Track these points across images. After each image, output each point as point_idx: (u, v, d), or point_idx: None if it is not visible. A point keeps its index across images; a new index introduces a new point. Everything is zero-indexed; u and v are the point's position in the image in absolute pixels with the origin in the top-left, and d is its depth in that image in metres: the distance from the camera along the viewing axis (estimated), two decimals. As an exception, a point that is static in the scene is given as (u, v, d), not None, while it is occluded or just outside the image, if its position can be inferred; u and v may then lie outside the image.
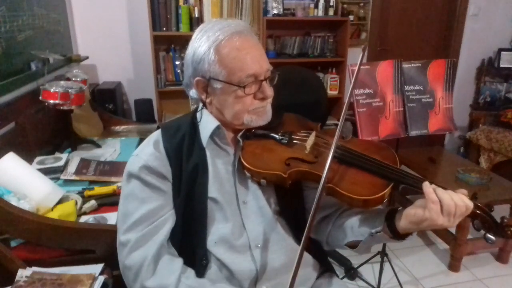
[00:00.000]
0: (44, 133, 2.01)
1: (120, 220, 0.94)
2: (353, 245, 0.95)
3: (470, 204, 0.78)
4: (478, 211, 0.80)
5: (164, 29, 2.94)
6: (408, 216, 0.81)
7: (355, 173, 0.88)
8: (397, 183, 0.84)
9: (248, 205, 0.97)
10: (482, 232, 0.81)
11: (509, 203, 2.29)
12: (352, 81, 0.96)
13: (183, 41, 2.98)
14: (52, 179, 1.53)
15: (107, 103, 2.79)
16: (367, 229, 0.90)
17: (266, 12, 3.15)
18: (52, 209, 1.36)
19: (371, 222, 0.90)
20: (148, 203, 0.92)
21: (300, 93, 1.77)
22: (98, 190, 1.53)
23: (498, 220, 0.80)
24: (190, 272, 0.92)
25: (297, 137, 1.00)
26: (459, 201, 0.76)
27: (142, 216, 0.91)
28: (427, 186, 0.79)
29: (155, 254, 0.89)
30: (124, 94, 3.28)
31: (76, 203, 1.41)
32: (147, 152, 0.94)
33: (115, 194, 1.50)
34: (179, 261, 0.92)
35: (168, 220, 0.93)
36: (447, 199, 0.76)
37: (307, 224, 0.77)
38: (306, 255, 1.03)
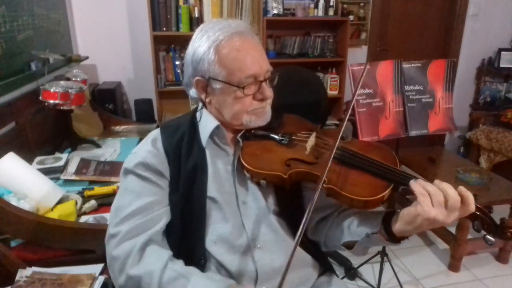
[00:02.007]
0: (44, 133, 2.02)
1: (113, 214, 0.92)
2: (350, 246, 0.95)
3: (467, 193, 0.75)
4: (477, 213, 0.79)
5: (164, 29, 2.95)
6: (402, 217, 0.80)
7: (355, 174, 0.88)
8: (397, 184, 0.84)
9: (247, 205, 0.97)
10: (482, 233, 0.81)
11: (509, 203, 2.29)
12: (356, 92, 0.96)
13: (183, 41, 2.97)
14: (52, 179, 1.53)
15: (107, 103, 2.79)
16: (364, 229, 0.90)
17: (266, 12, 3.15)
18: (52, 209, 1.36)
19: (369, 223, 0.90)
20: (144, 197, 0.91)
21: (300, 93, 1.77)
22: (98, 190, 1.54)
23: (498, 222, 0.80)
24: (178, 260, 0.90)
25: (297, 138, 0.99)
26: (447, 188, 0.75)
27: (136, 209, 0.90)
28: (413, 183, 0.79)
29: (143, 244, 0.87)
30: (124, 94, 3.28)
31: (76, 203, 1.41)
32: (145, 149, 0.95)
33: (115, 194, 1.50)
34: (167, 251, 0.90)
35: (162, 216, 0.92)
36: (433, 189, 0.75)
37: (302, 223, 0.76)
38: (306, 255, 1.03)
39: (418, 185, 0.78)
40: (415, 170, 2.53)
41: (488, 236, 0.79)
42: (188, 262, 0.92)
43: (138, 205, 0.90)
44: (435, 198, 0.75)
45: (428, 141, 3.82)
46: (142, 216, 0.90)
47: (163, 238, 0.93)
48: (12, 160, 1.42)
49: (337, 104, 3.46)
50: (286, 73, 1.82)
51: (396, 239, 0.84)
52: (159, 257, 0.87)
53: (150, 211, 0.91)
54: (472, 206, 0.76)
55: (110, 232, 0.91)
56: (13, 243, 1.26)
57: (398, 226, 0.81)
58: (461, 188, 0.76)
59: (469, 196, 0.75)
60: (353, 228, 0.93)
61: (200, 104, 1.00)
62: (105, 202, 1.47)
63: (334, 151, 0.85)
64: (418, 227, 0.78)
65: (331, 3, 3.22)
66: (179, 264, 0.89)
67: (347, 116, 0.92)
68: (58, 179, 1.62)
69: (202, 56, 0.90)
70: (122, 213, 0.90)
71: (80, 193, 1.51)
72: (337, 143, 0.87)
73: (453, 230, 2.28)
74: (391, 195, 0.85)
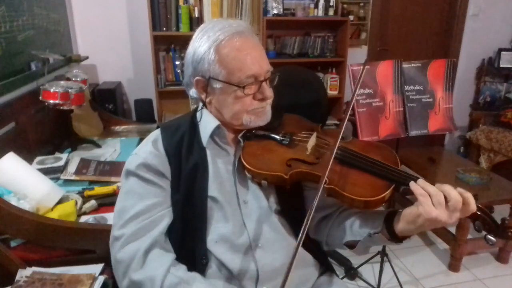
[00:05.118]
0: (44, 133, 2.01)
1: (116, 216, 0.93)
2: (351, 245, 0.95)
3: (467, 194, 0.76)
4: (479, 212, 0.80)
5: (164, 29, 2.95)
6: (405, 217, 0.80)
7: (356, 174, 0.88)
8: (398, 184, 0.84)
9: (248, 204, 0.97)
10: (483, 233, 0.81)
11: (509, 203, 2.29)
12: (355, 91, 0.96)
13: (183, 41, 2.96)
14: (52, 179, 1.53)
15: (107, 103, 2.79)
16: (366, 229, 0.90)
17: (266, 12, 3.15)
18: (52, 209, 1.36)
19: (371, 223, 0.90)
20: (147, 199, 0.92)
21: (300, 93, 1.77)
22: (98, 190, 1.53)
23: (499, 221, 0.80)
24: (181, 266, 0.91)
25: (298, 138, 1.00)
26: (449, 190, 0.75)
27: (139, 211, 0.90)
28: (413, 184, 0.79)
29: (147, 248, 0.88)
30: (124, 94, 3.28)
31: (76, 203, 1.41)
32: (146, 150, 0.95)
33: (115, 194, 1.50)
34: (170, 256, 0.91)
35: (165, 217, 0.93)
36: (433, 189, 0.76)
37: (304, 224, 0.76)
38: (307, 255, 1.03)
39: (417, 186, 0.78)
40: (415, 170, 2.53)
41: (489, 236, 0.79)
42: (189, 262, 0.93)
43: (141, 207, 0.91)
44: (435, 199, 0.75)
45: (428, 141, 3.82)
46: (145, 218, 0.90)
47: (165, 239, 0.94)
48: (12, 160, 1.41)
49: (337, 104, 3.46)
50: (286, 73, 1.82)
51: (398, 238, 0.84)
52: (161, 262, 0.88)
53: (153, 213, 0.91)
54: (473, 206, 0.76)
55: (114, 235, 0.91)
56: (13, 243, 1.26)
57: (400, 226, 0.82)
58: (460, 190, 0.77)
59: (469, 196, 0.76)
60: (355, 228, 0.93)
61: (201, 104, 1.01)
62: (105, 202, 1.47)
63: (335, 151, 0.85)
64: (420, 227, 0.78)
65: (331, 3, 3.22)
66: (181, 270, 0.89)
67: (347, 116, 0.92)
68: (58, 179, 1.62)
69: (203, 56, 0.90)
70: (125, 215, 0.91)
71: (80, 193, 1.51)
72: (338, 143, 0.87)
73: (453, 230, 2.28)
74: (392, 195, 0.85)
